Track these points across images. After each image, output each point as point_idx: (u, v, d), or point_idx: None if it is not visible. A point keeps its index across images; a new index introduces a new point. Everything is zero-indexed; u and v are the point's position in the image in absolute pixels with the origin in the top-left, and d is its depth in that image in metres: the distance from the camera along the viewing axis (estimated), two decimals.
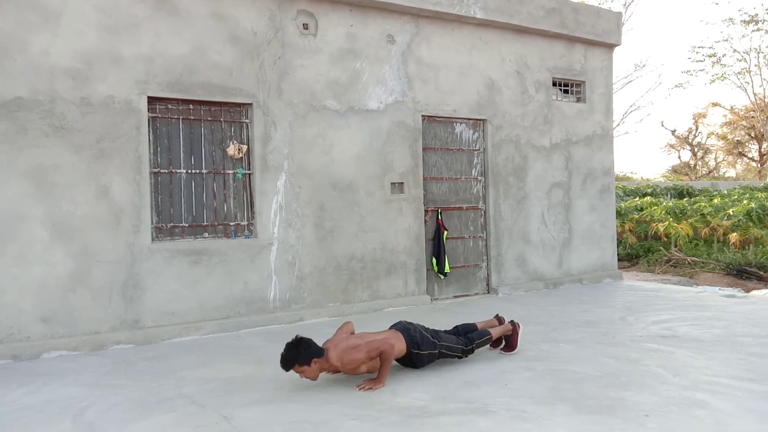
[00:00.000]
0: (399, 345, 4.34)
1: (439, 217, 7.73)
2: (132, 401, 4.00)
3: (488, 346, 4.96)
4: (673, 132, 42.75)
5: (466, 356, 4.70)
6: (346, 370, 4.16)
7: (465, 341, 4.67)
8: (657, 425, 3.36)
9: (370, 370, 4.22)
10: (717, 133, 41.14)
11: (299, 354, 4.00)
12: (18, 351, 5.17)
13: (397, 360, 4.49)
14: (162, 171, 6.02)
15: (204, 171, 6.24)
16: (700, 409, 3.59)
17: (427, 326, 4.66)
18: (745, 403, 3.68)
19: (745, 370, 4.35)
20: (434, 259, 7.67)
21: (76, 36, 5.51)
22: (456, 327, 4.90)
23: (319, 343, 4.22)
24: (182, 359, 5.08)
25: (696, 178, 39.77)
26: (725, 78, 34.09)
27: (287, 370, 4.04)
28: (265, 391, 4.15)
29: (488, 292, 8.12)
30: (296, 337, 4.10)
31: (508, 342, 4.98)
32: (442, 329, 4.85)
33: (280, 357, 4.04)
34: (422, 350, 4.45)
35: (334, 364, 4.09)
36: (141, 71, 5.79)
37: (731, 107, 39.24)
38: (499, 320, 5.08)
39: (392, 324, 4.67)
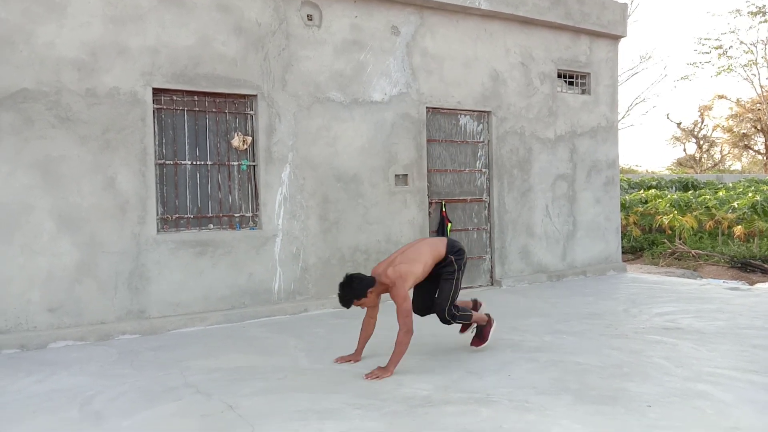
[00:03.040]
0: (439, 249, 4.54)
1: (443, 209, 7.74)
2: (138, 390, 4.04)
3: (460, 327, 4.91)
4: (679, 124, 42.58)
5: (448, 319, 4.60)
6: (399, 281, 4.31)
7: (454, 307, 4.65)
8: (659, 415, 3.38)
9: (422, 274, 4.46)
10: (723, 126, 40.95)
11: (354, 290, 4.26)
12: (25, 341, 5.22)
13: (419, 289, 4.66)
14: (167, 162, 6.05)
15: (209, 162, 6.27)
16: (702, 400, 3.61)
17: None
18: (746, 394, 3.69)
19: (748, 362, 4.37)
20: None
21: (82, 27, 5.52)
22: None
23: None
24: (187, 349, 5.12)
25: (701, 170, 39.63)
26: (731, 70, 33.89)
27: (348, 306, 4.33)
28: (269, 380, 4.18)
29: (492, 284, 8.14)
30: (347, 275, 4.34)
31: (479, 333, 4.84)
32: None
33: (338, 298, 4.30)
34: (455, 258, 4.56)
35: (386, 284, 4.31)
36: (146, 63, 5.80)
37: (737, 100, 39.04)
38: (474, 304, 5.01)
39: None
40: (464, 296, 7.23)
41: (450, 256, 4.58)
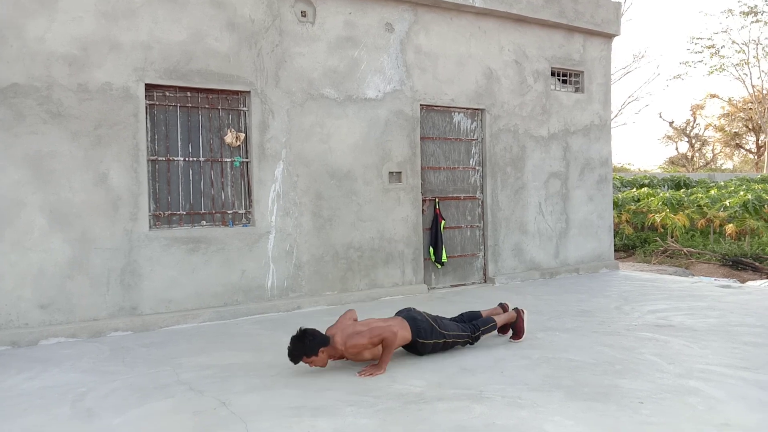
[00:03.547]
0: (403, 333, 4.37)
1: (437, 207, 7.74)
2: (130, 387, 4.02)
3: (495, 332, 5.01)
4: (671, 123, 42.78)
5: (473, 343, 4.76)
6: (349, 356, 4.19)
7: (471, 328, 4.72)
8: (651, 412, 3.40)
9: (374, 357, 4.26)
10: (715, 125, 41.18)
11: (305, 346, 4.05)
12: (16, 337, 5.19)
13: (403, 347, 4.54)
14: (159, 159, 6.01)
15: (202, 159, 6.24)
16: (693, 397, 3.63)
17: (433, 315, 4.68)
18: (737, 391, 3.72)
19: (739, 359, 4.39)
20: (431, 249, 7.69)
21: (73, 22, 5.48)
22: (461, 314, 4.96)
23: (322, 329, 4.25)
24: (180, 346, 5.10)
25: (693, 169, 39.84)
26: (723, 69, 34.09)
27: (296, 362, 4.08)
28: (262, 377, 4.17)
29: (485, 282, 8.15)
30: (300, 329, 4.11)
31: (515, 330, 5.00)
32: (448, 317, 4.89)
33: (287, 351, 4.06)
34: (428, 340, 4.49)
35: (339, 350, 4.13)
36: (139, 58, 5.76)
37: (729, 99, 39.26)
38: (503, 308, 5.13)
39: (398, 311, 4.68)
40: (465, 295, 7.24)
41: (418, 341, 4.44)
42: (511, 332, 5.05)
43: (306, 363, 4.11)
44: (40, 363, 4.66)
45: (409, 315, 4.54)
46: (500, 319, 4.93)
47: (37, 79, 5.35)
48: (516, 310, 5.05)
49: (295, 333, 4.10)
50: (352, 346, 4.11)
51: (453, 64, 7.76)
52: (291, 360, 4.07)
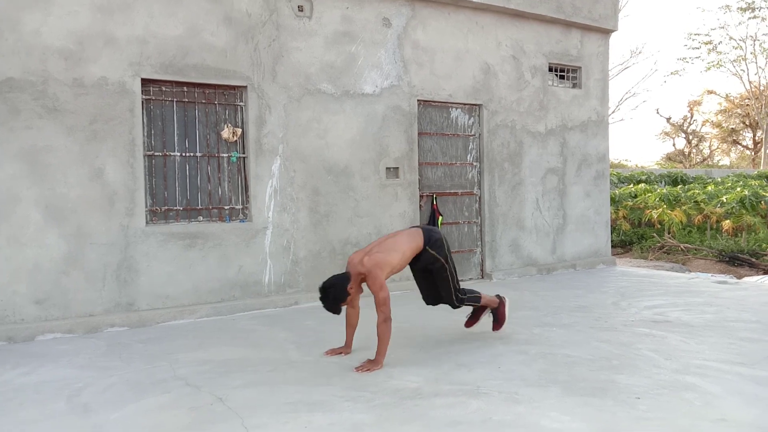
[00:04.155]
0: (411, 245, 4.46)
1: (434, 203, 7.73)
2: (127, 383, 4.01)
3: (465, 322, 4.97)
4: (668, 119, 42.83)
5: (455, 306, 4.69)
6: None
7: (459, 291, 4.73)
8: (648, 407, 3.40)
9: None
10: (712, 121, 41.23)
11: (335, 298, 4.22)
12: (12, 333, 5.17)
13: (410, 265, 4.61)
14: (156, 154, 5.99)
15: (198, 154, 6.22)
16: (690, 392, 3.63)
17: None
18: (734, 386, 3.72)
19: (735, 354, 4.40)
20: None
21: (69, 16, 5.45)
22: None
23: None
24: (177, 342, 5.10)
25: (690, 165, 39.91)
26: (721, 65, 34.13)
27: (338, 313, 4.30)
28: (259, 373, 4.17)
29: (482, 277, 8.16)
30: (320, 289, 4.28)
31: (496, 317, 4.91)
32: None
33: (325, 310, 4.27)
34: (434, 251, 4.51)
35: (362, 273, 4.27)
36: (134, 52, 5.73)
37: (726, 95, 39.31)
38: (499, 299, 5.04)
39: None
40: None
41: (428, 249, 4.52)
42: (490, 319, 4.94)
43: (344, 306, 4.31)
44: (36, 358, 4.65)
45: (427, 227, 4.68)
46: (483, 300, 4.83)
47: (33, 73, 5.32)
48: (498, 296, 4.97)
49: (320, 294, 4.27)
50: (371, 278, 4.21)
51: (450, 60, 7.74)
52: (332, 312, 4.27)
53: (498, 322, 4.91)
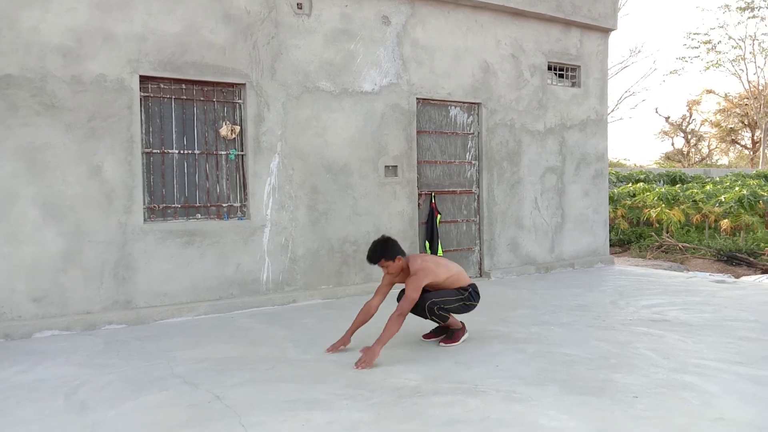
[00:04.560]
0: (465, 279, 4.71)
1: (433, 201, 7.73)
2: (124, 380, 4.00)
3: (436, 329, 4.91)
4: (667, 119, 42.84)
5: (428, 311, 4.59)
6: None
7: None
8: (645, 406, 3.40)
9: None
10: (710, 121, 41.26)
11: (387, 249, 4.44)
12: (10, 330, 5.16)
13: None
14: (154, 151, 5.98)
15: (196, 152, 6.20)
16: (688, 391, 3.63)
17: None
18: (731, 385, 3.73)
19: (733, 354, 4.41)
20: (427, 243, 7.68)
21: (67, 13, 5.43)
22: None
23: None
24: (175, 339, 5.09)
25: (689, 165, 39.94)
26: (720, 65, 34.13)
27: (373, 263, 4.47)
28: (257, 371, 4.16)
29: (481, 276, 8.16)
30: (383, 235, 4.57)
31: (450, 334, 4.79)
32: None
33: (368, 254, 4.47)
34: (474, 294, 4.71)
35: (407, 269, 4.47)
36: (133, 50, 5.72)
37: (725, 94, 39.32)
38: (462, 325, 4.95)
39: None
40: None
41: (469, 288, 4.70)
42: (444, 336, 4.83)
43: (381, 267, 4.48)
44: (34, 356, 4.64)
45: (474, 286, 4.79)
46: (449, 320, 4.74)
47: (31, 70, 5.30)
48: (462, 323, 4.86)
49: (378, 238, 4.52)
50: (413, 277, 4.39)
51: (450, 58, 7.73)
52: (369, 260, 4.47)
53: (451, 339, 4.76)
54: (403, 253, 4.53)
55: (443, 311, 4.60)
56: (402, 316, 4.25)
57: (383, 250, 4.45)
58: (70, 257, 5.47)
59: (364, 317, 4.59)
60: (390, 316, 4.26)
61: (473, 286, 4.76)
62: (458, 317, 4.92)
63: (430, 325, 5.10)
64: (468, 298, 4.68)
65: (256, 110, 6.39)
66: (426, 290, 4.57)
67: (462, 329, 4.84)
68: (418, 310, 4.60)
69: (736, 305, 6.16)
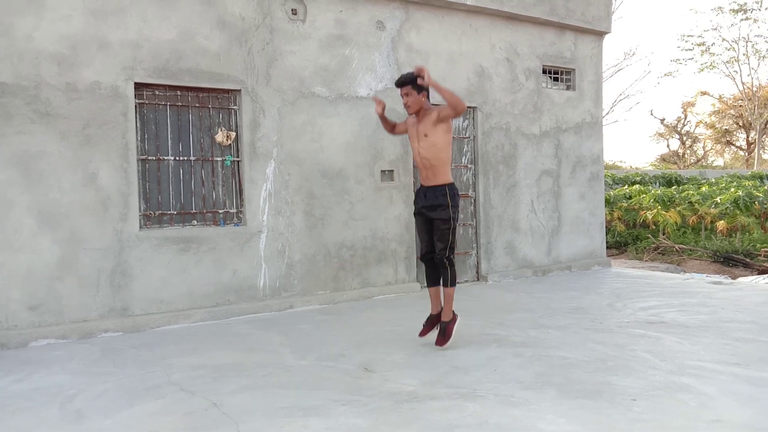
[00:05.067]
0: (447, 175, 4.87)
1: None
2: (120, 388, 3.99)
3: (429, 320, 4.94)
4: (662, 121, 43.01)
5: (442, 263, 4.76)
6: (421, 127, 4.78)
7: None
8: (643, 409, 3.40)
9: (423, 155, 4.83)
10: (705, 122, 41.42)
11: (418, 83, 4.65)
12: (5, 339, 5.14)
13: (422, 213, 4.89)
14: (150, 158, 5.97)
15: (192, 158, 6.20)
16: (685, 393, 3.63)
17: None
18: (729, 387, 3.73)
19: (730, 355, 4.41)
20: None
21: (62, 20, 5.43)
22: None
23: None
24: (171, 347, 5.07)
25: (684, 166, 40.05)
26: (714, 67, 34.30)
27: (400, 86, 4.73)
28: (254, 377, 4.15)
29: (478, 280, 8.15)
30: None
31: (443, 330, 4.77)
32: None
33: (400, 77, 4.76)
34: (453, 200, 4.78)
35: (435, 109, 4.73)
36: (128, 57, 5.72)
37: (720, 96, 39.49)
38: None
39: None
40: (458, 293, 7.23)
41: (447, 192, 4.76)
42: (437, 331, 4.83)
43: (405, 93, 4.73)
44: (30, 365, 4.61)
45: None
46: (452, 294, 4.82)
47: (25, 78, 5.29)
48: (453, 312, 4.86)
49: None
50: (444, 109, 4.68)
51: (444, 63, 7.74)
52: (398, 82, 4.75)
53: (444, 336, 4.76)
54: (428, 93, 4.78)
55: (454, 257, 4.82)
56: (457, 97, 4.64)
57: (415, 79, 4.65)
58: (66, 265, 5.45)
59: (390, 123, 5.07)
60: (449, 97, 4.63)
61: (452, 189, 4.82)
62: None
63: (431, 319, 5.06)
64: (451, 218, 4.74)
65: (252, 116, 6.39)
66: (425, 231, 4.84)
67: (453, 319, 4.83)
68: (431, 267, 4.86)
69: (732, 306, 6.17)
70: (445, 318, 4.82)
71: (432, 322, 4.92)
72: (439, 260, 4.78)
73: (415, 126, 4.85)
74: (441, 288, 4.86)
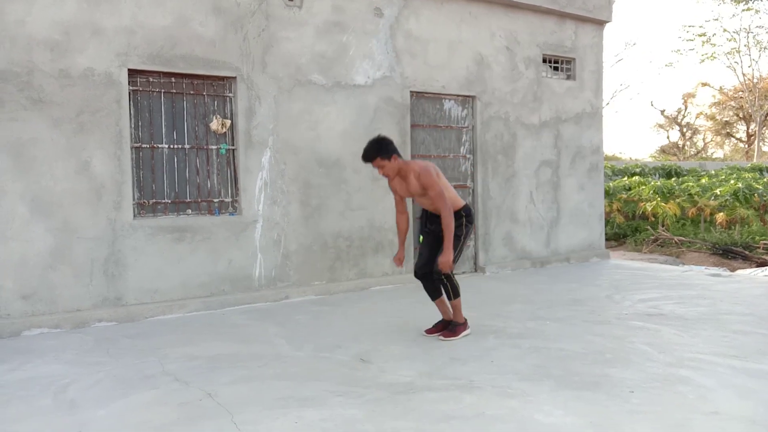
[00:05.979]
0: (459, 201, 4.67)
1: None
2: (114, 378, 3.95)
3: (439, 322, 4.89)
4: (662, 112, 42.92)
5: (439, 278, 4.65)
6: (411, 188, 4.52)
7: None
8: (641, 401, 3.37)
9: (424, 205, 4.69)
10: (706, 114, 41.34)
11: (382, 148, 4.39)
12: None
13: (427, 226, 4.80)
14: (144, 146, 5.90)
15: (187, 146, 6.13)
16: (683, 385, 3.61)
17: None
18: (727, 379, 3.70)
19: (728, 347, 4.38)
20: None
21: (54, 5, 5.34)
22: None
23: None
24: (165, 337, 5.03)
25: (684, 158, 40.01)
26: (715, 58, 34.16)
27: (368, 161, 4.43)
28: (249, 368, 4.11)
29: (476, 271, 8.11)
30: (378, 134, 4.54)
31: (452, 328, 4.75)
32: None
33: (363, 152, 4.44)
34: (468, 218, 4.68)
35: (412, 171, 4.45)
36: (122, 43, 5.63)
37: (720, 87, 39.39)
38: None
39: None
40: (462, 286, 7.18)
41: (462, 214, 4.65)
42: (445, 330, 4.79)
43: (377, 167, 4.45)
44: (23, 354, 4.57)
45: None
46: (459, 305, 4.76)
47: (18, 64, 5.21)
48: (466, 320, 4.84)
49: (374, 137, 4.49)
50: (426, 174, 4.41)
51: (443, 50, 7.66)
52: (364, 159, 4.44)
53: (452, 333, 4.72)
54: (398, 154, 4.49)
55: (452, 277, 4.67)
56: (450, 211, 4.38)
57: (379, 149, 4.39)
58: (59, 254, 5.40)
59: (402, 228, 4.83)
60: (442, 219, 4.41)
61: (467, 209, 4.70)
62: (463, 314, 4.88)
63: (427, 316, 5.04)
64: (462, 235, 4.65)
65: (247, 104, 6.31)
66: (427, 247, 4.74)
67: (464, 324, 4.81)
68: (427, 282, 4.74)
69: (731, 299, 6.14)
70: (457, 320, 4.80)
71: (443, 325, 4.87)
72: (437, 279, 4.64)
73: (404, 186, 4.59)
74: (445, 299, 4.82)
